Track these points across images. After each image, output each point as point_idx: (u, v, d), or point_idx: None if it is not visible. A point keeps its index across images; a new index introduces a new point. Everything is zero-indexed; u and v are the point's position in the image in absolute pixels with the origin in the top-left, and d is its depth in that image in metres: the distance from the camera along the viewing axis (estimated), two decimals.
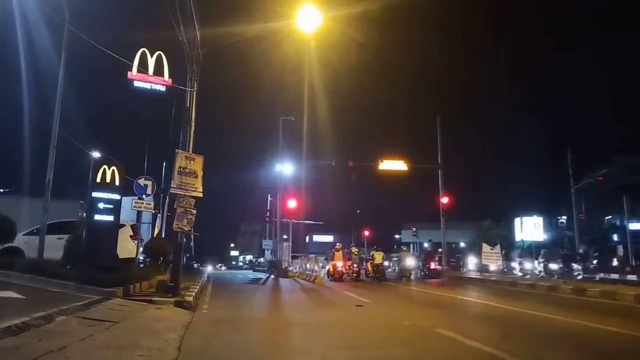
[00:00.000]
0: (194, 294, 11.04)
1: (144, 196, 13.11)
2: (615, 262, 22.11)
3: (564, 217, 35.04)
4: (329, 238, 66.52)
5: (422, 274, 26.70)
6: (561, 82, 70.74)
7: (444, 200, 29.63)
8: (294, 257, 30.86)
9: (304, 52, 24.92)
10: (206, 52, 11.48)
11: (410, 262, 25.13)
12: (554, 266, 23.46)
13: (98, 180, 10.97)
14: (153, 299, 9.39)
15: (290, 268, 28.48)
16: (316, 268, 22.53)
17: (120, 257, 12.32)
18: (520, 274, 24.46)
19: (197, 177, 10.75)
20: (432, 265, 26.21)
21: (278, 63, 28.47)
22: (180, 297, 9.88)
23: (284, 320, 9.38)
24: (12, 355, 4.17)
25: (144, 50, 11.39)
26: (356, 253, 23.84)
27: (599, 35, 65.29)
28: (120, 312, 7.63)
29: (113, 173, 11.16)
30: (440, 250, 31.90)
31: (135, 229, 14.53)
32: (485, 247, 25.84)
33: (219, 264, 70.38)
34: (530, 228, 28.04)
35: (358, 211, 64.10)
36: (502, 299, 12.58)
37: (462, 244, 52.15)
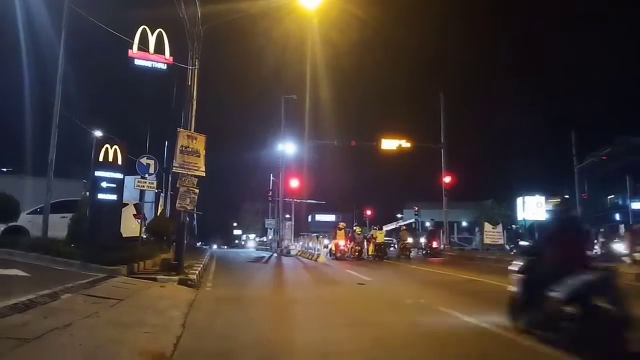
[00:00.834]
0: (197, 272, 11.13)
1: (146, 175, 13.10)
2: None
3: (566, 197, 34.99)
4: (331, 217, 66.89)
5: (424, 252, 26.83)
6: (566, 61, 69.88)
7: (447, 179, 29.60)
8: (300, 236, 31.01)
9: (306, 29, 24.57)
10: (207, 29, 11.34)
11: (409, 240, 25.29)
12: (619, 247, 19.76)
13: (100, 159, 10.98)
14: (157, 277, 9.48)
15: (293, 247, 28.68)
16: (318, 247, 22.68)
17: (124, 235, 12.40)
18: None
19: (199, 156, 10.74)
20: (434, 244, 26.39)
21: (280, 40, 28.14)
22: (184, 275, 9.97)
23: (286, 298, 9.47)
24: (20, 332, 4.22)
25: (144, 28, 11.26)
26: (359, 232, 23.98)
27: (603, 14, 64.24)
28: (124, 290, 7.71)
29: (115, 152, 11.16)
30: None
31: (138, 207, 14.58)
32: (488, 227, 25.95)
33: (258, 238, 62.58)
34: (532, 207, 28.03)
35: (356, 206, 63.91)
36: (503, 277, 12.64)
37: (464, 224, 52.32)
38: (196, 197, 10.66)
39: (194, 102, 11.26)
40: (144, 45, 11.25)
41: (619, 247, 20.05)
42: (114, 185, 11.15)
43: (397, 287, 11.49)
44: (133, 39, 11.24)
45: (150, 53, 11.20)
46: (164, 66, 11.39)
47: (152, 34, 11.27)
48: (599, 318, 4.49)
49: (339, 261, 20.90)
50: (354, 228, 25.12)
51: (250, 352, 4.69)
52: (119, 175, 11.30)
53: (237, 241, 77.97)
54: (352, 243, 23.18)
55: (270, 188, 39.79)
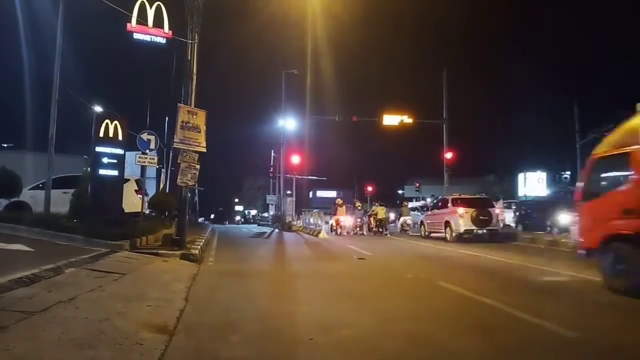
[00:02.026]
0: (199, 247, 11.23)
1: (147, 151, 13.09)
2: None
3: (568, 173, 34.87)
4: (332, 193, 66.97)
5: None
6: (570, 35, 68.75)
7: (448, 155, 29.49)
8: (301, 212, 31.14)
9: (308, 2, 24.10)
10: (207, 1, 11.18)
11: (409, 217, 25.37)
12: None
13: (101, 135, 10.98)
14: (159, 252, 9.56)
15: (294, 223, 28.84)
16: (319, 222, 22.80)
17: (126, 211, 12.46)
18: None
19: (200, 132, 10.71)
20: None
21: (281, 14, 27.64)
22: (186, 250, 10.05)
23: (287, 272, 9.56)
24: (25, 305, 4.28)
25: (142, 1, 11.03)
26: (359, 208, 24.08)
27: None
28: (127, 264, 7.79)
29: (116, 128, 11.15)
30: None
31: (139, 183, 14.62)
32: None
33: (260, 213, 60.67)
34: (533, 183, 28.04)
35: (357, 182, 63.91)
36: (503, 252, 12.74)
37: None
38: (197, 172, 10.68)
39: (194, 77, 11.17)
40: (142, 18, 11.05)
41: None
42: (115, 161, 11.17)
43: (397, 262, 11.59)
44: (131, 13, 11.04)
45: (149, 27, 11.01)
46: (163, 40, 11.20)
47: (151, 7, 11.05)
48: None
49: (340, 236, 21.05)
50: (355, 203, 25.23)
51: (251, 325, 4.76)
52: (119, 151, 11.31)
53: (238, 217, 78.26)
54: (353, 218, 23.32)
55: (272, 164, 39.76)
